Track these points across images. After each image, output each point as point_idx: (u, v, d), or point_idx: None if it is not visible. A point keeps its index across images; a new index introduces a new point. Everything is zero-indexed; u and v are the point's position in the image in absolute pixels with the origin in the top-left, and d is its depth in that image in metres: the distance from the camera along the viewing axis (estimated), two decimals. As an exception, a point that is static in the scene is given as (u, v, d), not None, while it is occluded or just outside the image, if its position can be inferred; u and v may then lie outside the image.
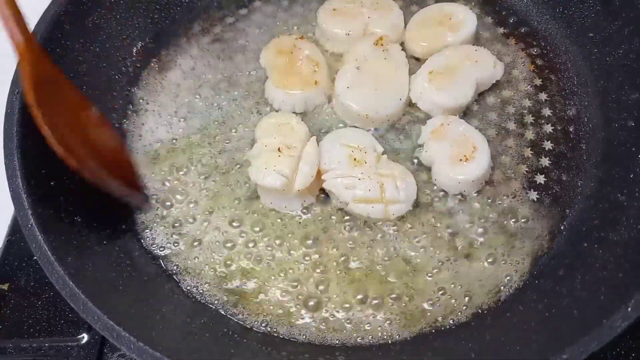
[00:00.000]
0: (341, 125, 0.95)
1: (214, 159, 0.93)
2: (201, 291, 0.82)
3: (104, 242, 0.79)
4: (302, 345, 0.77)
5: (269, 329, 0.79)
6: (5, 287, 0.91)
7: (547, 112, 0.95)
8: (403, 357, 0.74)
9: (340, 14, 1.03)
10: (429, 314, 0.78)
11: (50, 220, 0.72)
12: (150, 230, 0.87)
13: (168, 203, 0.89)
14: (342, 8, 1.03)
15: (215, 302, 0.81)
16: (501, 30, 1.05)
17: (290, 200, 0.86)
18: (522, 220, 0.85)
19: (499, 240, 0.83)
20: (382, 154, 0.89)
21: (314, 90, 0.95)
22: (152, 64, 1.04)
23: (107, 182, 0.78)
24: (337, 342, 0.77)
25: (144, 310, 0.71)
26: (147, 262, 0.83)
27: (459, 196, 0.87)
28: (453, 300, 0.79)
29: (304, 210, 0.87)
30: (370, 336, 0.77)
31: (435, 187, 0.88)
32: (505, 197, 0.87)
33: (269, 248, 0.84)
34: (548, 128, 0.93)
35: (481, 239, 0.83)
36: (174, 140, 0.95)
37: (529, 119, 0.94)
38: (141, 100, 1.00)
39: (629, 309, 0.60)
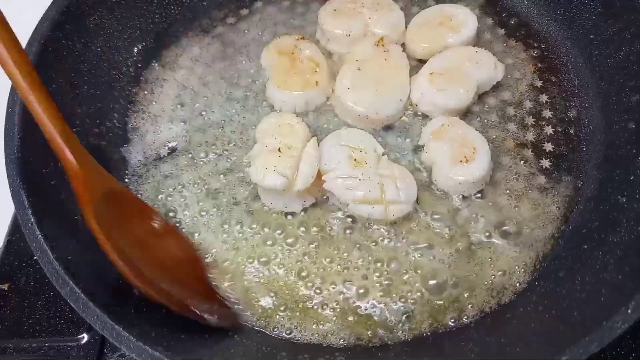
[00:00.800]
0: (342, 125, 0.95)
1: (215, 160, 0.93)
2: (201, 291, 0.82)
3: (104, 241, 0.79)
4: (302, 345, 0.77)
5: (269, 329, 0.79)
6: (5, 287, 0.90)
7: (547, 113, 0.95)
8: (403, 357, 0.74)
9: (341, 14, 1.03)
10: (429, 314, 0.78)
11: (50, 220, 0.72)
12: (151, 230, 0.87)
13: (168, 203, 0.89)
14: (343, 9, 1.03)
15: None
16: (502, 31, 1.05)
17: (291, 201, 0.86)
18: (523, 221, 0.85)
19: (500, 241, 0.83)
20: (383, 155, 0.89)
21: (314, 90, 0.95)
22: (153, 64, 1.04)
23: (179, 301, 0.70)
24: (337, 342, 0.77)
25: (143, 309, 0.70)
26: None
27: (460, 197, 0.87)
28: (453, 301, 0.79)
29: (304, 211, 0.87)
30: (370, 336, 0.77)
31: (435, 188, 0.88)
32: (505, 198, 0.87)
33: (269, 248, 0.84)
34: (549, 130, 0.93)
35: (481, 240, 0.83)
36: (174, 141, 0.95)
37: (530, 120, 0.94)
38: (142, 101, 1.00)
39: (629, 311, 0.60)
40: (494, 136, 0.92)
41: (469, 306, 0.78)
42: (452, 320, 0.78)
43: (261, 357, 0.74)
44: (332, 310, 0.79)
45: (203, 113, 0.98)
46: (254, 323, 0.79)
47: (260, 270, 0.83)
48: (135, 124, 0.97)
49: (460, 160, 0.85)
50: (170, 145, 0.95)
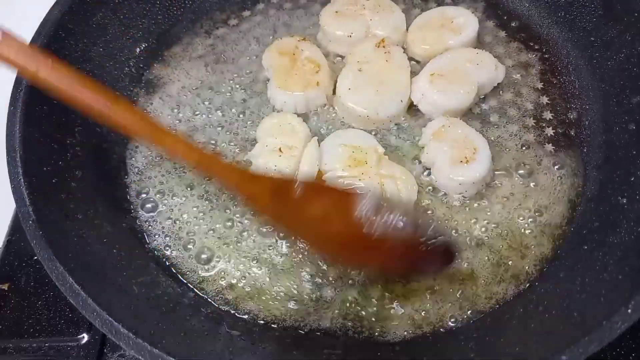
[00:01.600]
0: (342, 126, 0.95)
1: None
2: (202, 290, 0.82)
3: (105, 239, 0.79)
4: (306, 340, 0.77)
5: (268, 328, 0.79)
6: (5, 287, 0.90)
7: (548, 115, 0.95)
8: (403, 357, 0.74)
9: (342, 16, 1.03)
10: (429, 314, 0.78)
11: (51, 217, 0.72)
12: (151, 228, 0.87)
13: (169, 203, 0.89)
14: (344, 10, 1.04)
15: (217, 300, 0.81)
16: (503, 33, 1.05)
17: (291, 201, 0.86)
18: (523, 222, 0.85)
19: (500, 241, 0.83)
20: (383, 155, 0.89)
21: (315, 91, 0.95)
22: (155, 65, 1.05)
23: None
24: (337, 341, 0.77)
25: (143, 307, 0.71)
26: (147, 261, 0.83)
27: (460, 197, 0.87)
28: (453, 301, 0.79)
29: (305, 211, 0.87)
30: (370, 336, 0.77)
31: (435, 189, 0.88)
32: (505, 199, 0.87)
33: (269, 248, 0.84)
34: (549, 131, 0.93)
35: (482, 241, 0.83)
36: (175, 141, 0.96)
37: (530, 122, 0.94)
38: (144, 101, 1.00)
39: (629, 311, 0.60)
40: (495, 137, 0.92)
41: (469, 306, 0.78)
42: (452, 320, 0.78)
43: (261, 356, 0.74)
44: (331, 309, 0.79)
45: (204, 113, 0.99)
46: (254, 322, 0.79)
47: (260, 270, 0.83)
48: (136, 124, 0.97)
49: (460, 160, 0.85)
50: (171, 145, 0.95)
